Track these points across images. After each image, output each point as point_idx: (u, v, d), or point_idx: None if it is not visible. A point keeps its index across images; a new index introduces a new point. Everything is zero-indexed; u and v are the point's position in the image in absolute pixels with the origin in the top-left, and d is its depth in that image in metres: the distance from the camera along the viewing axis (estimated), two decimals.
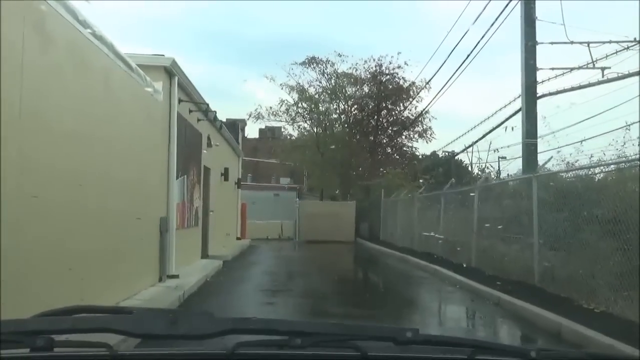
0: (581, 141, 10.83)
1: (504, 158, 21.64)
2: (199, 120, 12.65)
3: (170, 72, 9.63)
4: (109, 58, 6.25)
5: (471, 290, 10.09)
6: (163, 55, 9.37)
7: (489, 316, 8.38)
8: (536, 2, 15.44)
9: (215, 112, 13.24)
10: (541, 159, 12.67)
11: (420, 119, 30.02)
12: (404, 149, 31.81)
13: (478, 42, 17.64)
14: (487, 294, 9.39)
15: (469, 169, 28.91)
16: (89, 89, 5.77)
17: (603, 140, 12.34)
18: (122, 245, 7.18)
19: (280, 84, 30.89)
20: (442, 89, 23.78)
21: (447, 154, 29.54)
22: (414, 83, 29.05)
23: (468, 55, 19.07)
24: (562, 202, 8.93)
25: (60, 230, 5.23)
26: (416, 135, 31.13)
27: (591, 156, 10.33)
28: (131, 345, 1.58)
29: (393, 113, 31.10)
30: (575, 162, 10.11)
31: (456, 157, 28.88)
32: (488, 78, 53.95)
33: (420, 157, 31.34)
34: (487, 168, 19.26)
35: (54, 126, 4.91)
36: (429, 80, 26.09)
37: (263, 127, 40.45)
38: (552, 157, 10.08)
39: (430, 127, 30.58)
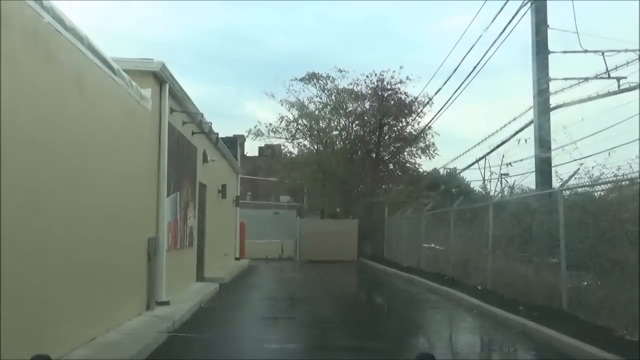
0: (609, 151, 9.94)
1: (506, 175, 20.68)
2: (193, 133, 11.82)
3: (160, 78, 8.80)
4: (83, 54, 5.41)
5: (492, 317, 9.16)
6: (152, 59, 8.54)
7: (519, 349, 7.44)
8: (547, 9, 14.76)
9: (211, 123, 12.43)
10: (561, 172, 11.78)
11: (422, 134, 29.28)
12: (407, 165, 31.00)
13: (486, 52, 16.91)
14: (511, 321, 8.47)
15: (471, 186, 28.14)
16: (55, 87, 4.93)
17: (627, 151, 11.51)
18: (100, 270, 6.28)
19: (280, 100, 30.21)
20: (445, 104, 23.03)
21: (449, 170, 28.77)
22: (416, 98, 28.37)
23: (474, 67, 18.35)
24: (593, 218, 8.07)
25: (19, 254, 4.33)
26: (419, 152, 30.40)
27: (618, 168, 9.51)
28: None
29: (395, 129, 30.38)
30: (601, 175, 9.30)
31: (460, 174, 28.11)
32: (495, 99, 53.44)
33: (423, 173, 30.48)
34: (504, 182, 18.32)
35: (5, 130, 4.03)
36: (433, 96, 25.39)
37: (263, 145, 39.75)
38: (579, 169, 9.21)
39: (433, 143, 29.85)
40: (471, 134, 47.39)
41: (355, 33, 54.12)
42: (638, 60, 14.47)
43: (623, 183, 8.21)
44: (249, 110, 62.37)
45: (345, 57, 61.17)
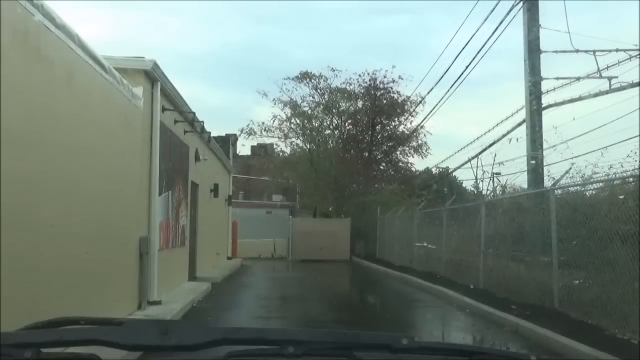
0: (601, 150, 9.98)
1: (498, 174, 20.72)
2: (185, 132, 11.78)
3: (152, 76, 8.75)
4: (73, 52, 5.37)
5: (484, 316, 9.19)
6: (143, 57, 8.49)
7: (511, 348, 7.45)
8: (539, 9, 14.80)
9: (203, 122, 12.38)
10: (553, 171, 11.84)
11: (415, 134, 29.33)
12: (400, 164, 31.07)
13: (477, 52, 16.95)
14: (503, 319, 8.51)
15: (463, 185, 28.23)
16: (45, 84, 4.89)
17: (619, 150, 11.57)
18: (91, 270, 6.24)
19: (273, 99, 30.13)
20: (437, 103, 23.00)
21: (441, 169, 28.84)
22: (408, 98, 28.40)
23: (467, 67, 18.39)
24: (584, 217, 8.11)
25: (7, 252, 4.29)
26: (412, 151, 30.47)
27: (610, 167, 9.56)
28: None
29: (388, 128, 30.42)
30: (593, 174, 9.35)
31: (453, 174, 28.19)
32: (488, 100, 53.45)
33: (416, 172, 30.55)
34: (496, 182, 18.36)
35: None
36: (425, 95, 25.38)
37: (255, 144, 39.63)
38: (570, 168, 9.26)
39: (425, 143, 29.93)
40: (464, 134, 47.62)
41: (355, 38, 53.91)
42: (638, 59, 14.52)
43: (615, 182, 8.26)
44: (242, 110, 62.32)
45: (342, 60, 61.04)
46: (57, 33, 5.01)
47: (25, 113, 4.58)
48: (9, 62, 4.17)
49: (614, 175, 8.43)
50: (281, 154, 32.94)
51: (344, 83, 29.62)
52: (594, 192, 8.91)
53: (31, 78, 4.67)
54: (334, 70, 29.51)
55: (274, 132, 30.83)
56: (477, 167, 19.61)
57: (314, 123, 30.56)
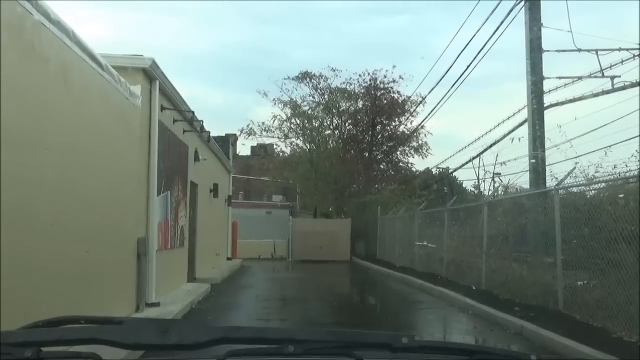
0: (605, 149, 9.86)
1: (498, 174, 20.63)
2: (184, 131, 11.66)
3: (151, 74, 8.63)
4: (69, 49, 5.25)
5: (486, 317, 9.07)
6: (142, 55, 8.37)
7: (515, 350, 7.34)
8: (540, 8, 14.70)
9: (202, 121, 12.26)
10: (556, 171, 11.73)
11: (415, 134, 29.24)
12: (400, 164, 30.97)
13: (478, 52, 16.83)
14: (507, 321, 8.38)
15: (463, 185, 28.16)
16: (40, 82, 4.76)
17: (622, 150, 11.47)
18: (89, 272, 6.12)
19: (273, 99, 30.03)
20: (438, 103, 22.92)
21: (442, 170, 28.77)
22: (409, 97, 28.30)
23: (467, 67, 18.28)
24: (588, 217, 7.99)
25: (2, 253, 4.18)
26: (412, 151, 30.38)
27: (614, 167, 9.45)
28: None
29: (388, 128, 30.32)
30: (596, 172, 9.24)
31: (453, 174, 28.10)
32: (490, 101, 53.37)
33: (416, 173, 30.46)
34: (497, 182, 18.24)
35: None
36: (426, 95, 25.25)
37: (255, 144, 39.54)
38: (574, 167, 9.14)
39: (426, 143, 29.84)
40: (465, 134, 47.57)
41: (355, 38, 53.76)
42: (631, 59, 14.45)
43: (619, 182, 8.15)
44: (242, 110, 62.19)
45: (343, 61, 60.91)
46: (52, 29, 4.89)
47: (20, 112, 4.46)
48: (4, 60, 4.05)
49: (618, 175, 8.33)
50: (281, 154, 32.83)
51: (344, 83, 29.59)
52: (597, 192, 8.80)
53: (26, 76, 4.55)
54: (334, 70, 29.47)
55: (274, 132, 30.77)
56: (478, 167, 19.51)
57: (314, 123, 30.47)
